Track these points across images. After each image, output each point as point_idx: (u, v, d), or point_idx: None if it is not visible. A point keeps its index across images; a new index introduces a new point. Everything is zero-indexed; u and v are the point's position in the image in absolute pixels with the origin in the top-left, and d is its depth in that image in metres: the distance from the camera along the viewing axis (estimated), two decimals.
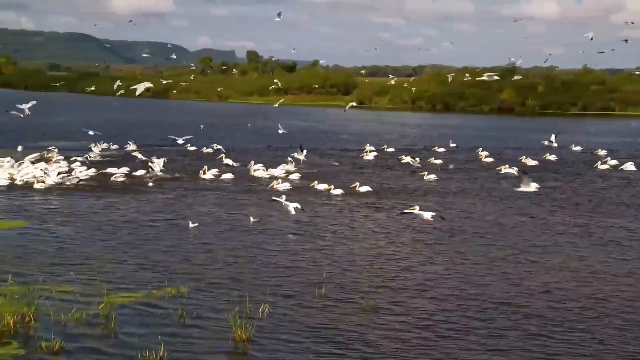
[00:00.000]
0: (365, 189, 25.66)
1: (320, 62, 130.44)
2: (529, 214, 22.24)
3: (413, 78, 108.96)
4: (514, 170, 30.83)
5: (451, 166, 33.40)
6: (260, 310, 12.09)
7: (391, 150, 39.31)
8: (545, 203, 24.29)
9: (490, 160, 35.53)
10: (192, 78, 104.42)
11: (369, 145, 38.56)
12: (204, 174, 28.13)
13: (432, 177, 29.45)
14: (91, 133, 36.50)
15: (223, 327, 11.52)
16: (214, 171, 28.60)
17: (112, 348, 10.75)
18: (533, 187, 26.20)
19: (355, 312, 12.57)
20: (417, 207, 18.69)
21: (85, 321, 11.67)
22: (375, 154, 37.04)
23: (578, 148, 42.09)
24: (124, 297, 12.95)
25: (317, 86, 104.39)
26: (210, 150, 36.05)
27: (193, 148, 36.96)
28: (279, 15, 36.87)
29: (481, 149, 38.40)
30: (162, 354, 10.26)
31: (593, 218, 21.72)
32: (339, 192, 25.03)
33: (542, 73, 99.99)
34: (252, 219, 19.87)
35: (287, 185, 26.14)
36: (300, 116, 72.13)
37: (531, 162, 34.80)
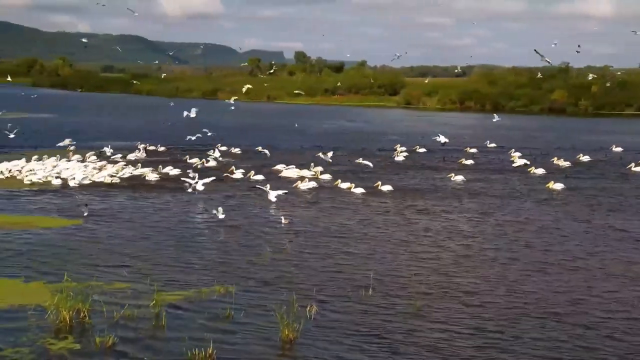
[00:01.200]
0: (386, 187, 25.97)
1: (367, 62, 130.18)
2: (571, 216, 21.81)
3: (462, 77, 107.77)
4: (543, 171, 30.68)
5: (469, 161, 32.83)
6: (307, 311, 12.18)
7: (422, 150, 39.43)
8: (581, 205, 23.80)
9: (522, 161, 34.91)
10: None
11: (399, 145, 38.78)
12: (232, 173, 28.52)
13: (460, 177, 29.27)
14: (195, 136, 37.10)
15: (270, 326, 11.65)
16: (255, 174, 28.90)
17: (162, 345, 10.98)
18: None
19: (401, 315, 12.55)
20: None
21: (137, 318, 11.94)
22: (405, 154, 37.00)
23: (618, 149, 41.18)
24: (173, 295, 13.20)
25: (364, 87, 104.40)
26: (259, 149, 36.23)
27: (237, 149, 37.00)
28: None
29: (513, 149, 37.96)
30: (210, 351, 10.43)
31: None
32: (359, 190, 25.35)
33: (596, 72, 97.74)
34: (283, 220, 19.97)
35: (313, 184, 26.53)
36: (348, 116, 72.18)
37: (563, 163, 34.16)
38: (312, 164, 30.57)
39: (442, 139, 36.87)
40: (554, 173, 31.25)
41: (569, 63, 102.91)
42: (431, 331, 11.77)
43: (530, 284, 14.65)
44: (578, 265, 16.10)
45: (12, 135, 37.06)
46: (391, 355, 10.81)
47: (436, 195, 25.39)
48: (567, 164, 34.08)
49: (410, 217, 21.39)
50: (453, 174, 29.58)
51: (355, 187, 25.77)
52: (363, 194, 25.02)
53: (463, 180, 28.82)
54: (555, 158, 35.30)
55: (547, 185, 27.22)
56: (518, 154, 36.57)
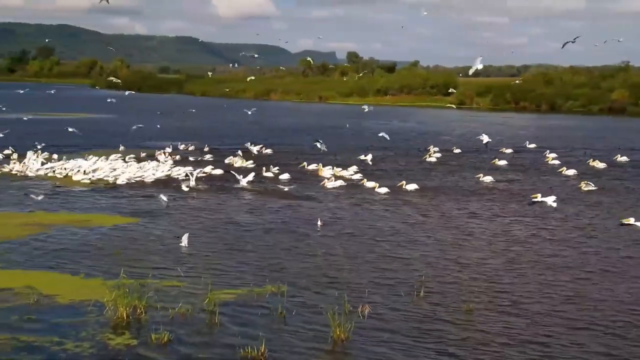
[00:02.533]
0: (411, 186, 26.17)
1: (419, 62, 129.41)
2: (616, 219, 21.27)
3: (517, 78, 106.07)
4: (574, 172, 30.40)
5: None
6: (359, 311, 12.22)
7: (458, 150, 39.26)
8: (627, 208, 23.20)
9: (556, 162, 34.36)
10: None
11: (432, 146, 38.68)
12: (266, 171, 28.88)
13: (488, 178, 28.87)
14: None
15: (322, 326, 11.73)
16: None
17: (216, 342, 11.18)
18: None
19: (452, 317, 12.47)
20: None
21: (191, 315, 12.18)
22: (439, 155, 36.84)
23: None
24: (226, 294, 13.42)
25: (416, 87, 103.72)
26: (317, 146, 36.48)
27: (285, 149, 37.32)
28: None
29: (548, 150, 37.34)
30: (262, 349, 10.57)
31: None
32: (383, 189, 25.48)
33: None
34: (319, 222, 19.86)
35: (339, 183, 26.87)
36: (400, 117, 71.86)
37: (600, 165, 33.41)
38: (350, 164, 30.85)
39: (485, 138, 36.54)
40: (602, 175, 30.61)
41: (629, 62, 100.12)
42: (482, 334, 11.66)
43: (585, 290, 14.34)
44: (635, 274, 15.69)
45: (71, 130, 38.23)
46: (441, 358, 10.75)
47: (477, 197, 25.10)
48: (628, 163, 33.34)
49: (455, 218, 21.22)
50: (481, 175, 29.43)
51: (379, 186, 25.89)
52: (411, 193, 25.07)
53: (499, 181, 28.62)
54: (618, 156, 34.59)
55: (582, 187, 26.57)
56: (553, 154, 36.04)
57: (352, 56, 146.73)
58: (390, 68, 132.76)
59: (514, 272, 15.41)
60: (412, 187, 26.15)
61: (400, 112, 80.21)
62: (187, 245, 16.94)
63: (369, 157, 33.61)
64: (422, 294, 13.61)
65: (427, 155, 36.33)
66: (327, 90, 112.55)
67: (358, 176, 28.69)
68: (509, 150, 38.75)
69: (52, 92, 57.37)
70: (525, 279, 14.95)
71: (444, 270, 15.52)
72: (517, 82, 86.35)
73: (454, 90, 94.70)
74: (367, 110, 40.64)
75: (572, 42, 27.01)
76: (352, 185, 27.04)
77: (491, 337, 11.56)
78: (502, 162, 34.25)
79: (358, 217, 21.13)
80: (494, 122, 68.27)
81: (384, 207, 22.80)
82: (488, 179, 28.77)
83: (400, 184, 26.38)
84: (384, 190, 25.41)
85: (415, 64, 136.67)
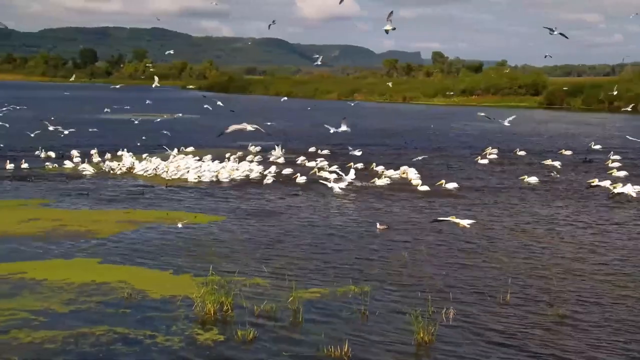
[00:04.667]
0: (451, 185, 26.18)
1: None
2: None
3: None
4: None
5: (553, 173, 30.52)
6: (443, 314, 12.11)
7: (522, 153, 38.41)
8: None
9: (617, 164, 32.62)
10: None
11: (490, 147, 37.96)
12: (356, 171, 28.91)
13: (533, 179, 28.15)
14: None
15: (405, 327, 11.69)
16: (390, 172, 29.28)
17: (300, 340, 11.32)
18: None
19: (541, 322, 12.15)
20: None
21: (275, 313, 12.40)
22: (494, 156, 36.14)
23: None
24: (310, 293, 13.57)
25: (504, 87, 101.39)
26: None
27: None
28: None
29: (612, 152, 35.67)
30: (345, 349, 10.64)
31: None
32: (424, 188, 25.59)
33: None
34: (378, 226, 19.57)
35: (386, 182, 27.17)
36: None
37: None
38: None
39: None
40: None
41: None
42: (572, 341, 11.31)
43: None
44: None
45: (164, 132, 39.65)
46: None
47: (565, 199, 24.29)
48: None
49: (543, 221, 20.62)
50: (526, 176, 28.92)
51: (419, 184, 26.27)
52: (490, 195, 24.75)
53: (534, 182, 27.99)
54: None
55: None
56: (617, 156, 34.55)
57: (437, 56, 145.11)
58: (477, 68, 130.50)
59: (605, 278, 14.84)
60: (452, 185, 26.24)
61: (487, 113, 78.53)
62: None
63: (420, 158, 33.42)
64: (508, 297, 13.33)
65: (482, 156, 35.69)
66: (411, 90, 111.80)
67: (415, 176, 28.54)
68: (568, 152, 38.26)
69: (155, 86, 59.53)
70: (620, 285, 14.37)
71: (531, 273, 15.12)
72: (611, 80, 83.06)
73: (542, 90, 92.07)
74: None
75: None
76: (429, 185, 26.54)
77: (581, 344, 11.19)
78: (556, 163, 33.13)
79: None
80: (587, 121, 65.90)
81: (465, 208, 22.45)
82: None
83: (440, 182, 26.40)
84: (424, 188, 25.56)
85: (503, 63, 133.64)
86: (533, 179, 28.45)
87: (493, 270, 15.41)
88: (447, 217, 18.30)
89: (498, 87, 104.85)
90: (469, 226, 17.76)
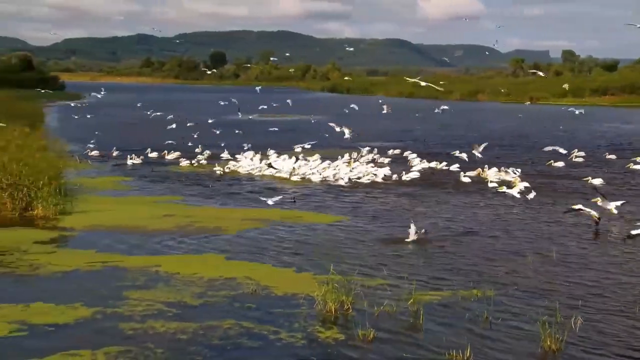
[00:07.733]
0: (522, 185, 24.70)
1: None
2: None
3: None
4: None
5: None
6: (572, 322, 11.62)
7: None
8: None
9: None
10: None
11: (576, 150, 35.97)
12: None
13: (598, 181, 26.46)
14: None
15: (530, 334, 11.33)
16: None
17: (420, 343, 11.24)
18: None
19: None
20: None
21: (395, 314, 12.37)
22: (581, 159, 34.50)
23: None
24: (431, 295, 13.44)
25: None
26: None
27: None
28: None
29: None
30: (467, 354, 10.47)
31: None
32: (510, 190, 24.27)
33: None
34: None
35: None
36: (623, 119, 66.79)
37: None
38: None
39: None
40: None
41: None
42: None
43: None
44: None
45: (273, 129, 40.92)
46: None
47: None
48: None
49: None
50: (590, 177, 27.19)
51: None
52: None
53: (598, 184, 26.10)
54: None
55: None
56: None
57: (568, 54, 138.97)
58: (611, 66, 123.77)
59: None
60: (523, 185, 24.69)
61: (623, 114, 74.44)
62: (414, 238, 17.48)
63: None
64: None
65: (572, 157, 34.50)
66: (538, 90, 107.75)
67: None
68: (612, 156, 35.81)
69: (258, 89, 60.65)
70: None
71: None
72: None
73: None
74: (577, 113, 39.45)
75: None
76: (539, 189, 25.26)
77: None
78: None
79: (572, 224, 20.00)
80: None
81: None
82: (596, 181, 26.59)
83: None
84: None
85: None
86: None
87: (624, 279, 14.59)
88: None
89: (635, 86, 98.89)
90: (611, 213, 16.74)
